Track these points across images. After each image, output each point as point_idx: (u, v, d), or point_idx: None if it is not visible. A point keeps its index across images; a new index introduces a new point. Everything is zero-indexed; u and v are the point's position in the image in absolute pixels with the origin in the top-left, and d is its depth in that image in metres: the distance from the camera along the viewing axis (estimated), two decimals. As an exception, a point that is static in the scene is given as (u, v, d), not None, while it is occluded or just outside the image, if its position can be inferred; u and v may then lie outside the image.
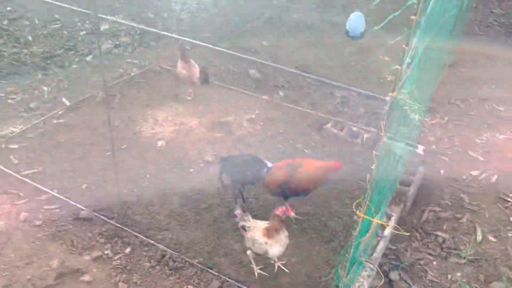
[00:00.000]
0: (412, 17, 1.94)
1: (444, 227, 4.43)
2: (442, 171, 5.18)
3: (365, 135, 5.25)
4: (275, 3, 9.38)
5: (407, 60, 2.15)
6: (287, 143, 5.22)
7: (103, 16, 3.27)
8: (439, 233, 4.35)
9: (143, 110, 5.61)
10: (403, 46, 2.05)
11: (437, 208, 4.66)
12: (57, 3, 3.48)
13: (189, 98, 5.89)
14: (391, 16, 2.04)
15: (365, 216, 2.55)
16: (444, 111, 6.36)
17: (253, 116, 5.66)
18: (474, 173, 5.16)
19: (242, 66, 6.89)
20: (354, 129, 5.39)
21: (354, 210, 2.58)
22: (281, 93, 6.30)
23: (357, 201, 2.58)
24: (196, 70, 5.70)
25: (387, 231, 3.96)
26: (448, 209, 4.66)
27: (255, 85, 6.44)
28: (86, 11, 3.04)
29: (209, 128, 5.34)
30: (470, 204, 4.73)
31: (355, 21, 7.41)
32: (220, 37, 7.58)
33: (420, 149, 4.98)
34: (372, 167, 2.36)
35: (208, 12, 8.78)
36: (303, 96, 6.29)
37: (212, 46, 2.98)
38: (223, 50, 2.84)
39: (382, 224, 4.00)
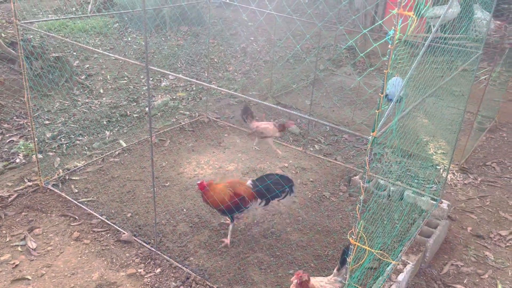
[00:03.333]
0: (385, 70, 2.38)
1: (465, 281, 4.44)
2: (469, 229, 5.23)
3: (392, 188, 5.49)
4: (321, 67, 10.13)
5: (385, 106, 2.55)
6: (315, 190, 5.53)
7: (158, 69, 3.93)
8: (458, 286, 4.37)
9: (188, 154, 6.17)
10: (379, 94, 2.48)
11: (459, 263, 4.70)
12: (125, 59, 4.24)
13: (258, 148, 6.45)
14: (369, 70, 2.47)
15: (358, 244, 2.84)
16: (478, 172, 6.44)
17: (286, 164, 6.05)
18: (503, 233, 5.17)
19: (282, 121, 7.44)
20: (382, 182, 5.64)
21: (348, 237, 2.88)
22: (316, 147, 6.70)
23: (351, 230, 2.88)
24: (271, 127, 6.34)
25: (401, 277, 4.10)
26: (471, 265, 4.69)
27: (293, 139, 6.92)
28: (152, 67, 3.70)
29: (243, 172, 5.76)
30: (494, 261, 4.74)
31: (394, 85, 7.87)
32: (266, 95, 8.26)
33: (444, 204, 5.12)
34: (361, 197, 2.70)
35: (259, 74, 9.61)
36: (338, 150, 6.64)
37: (254, 100, 3.50)
38: (265, 104, 3.29)
39: (396, 269, 4.19)
